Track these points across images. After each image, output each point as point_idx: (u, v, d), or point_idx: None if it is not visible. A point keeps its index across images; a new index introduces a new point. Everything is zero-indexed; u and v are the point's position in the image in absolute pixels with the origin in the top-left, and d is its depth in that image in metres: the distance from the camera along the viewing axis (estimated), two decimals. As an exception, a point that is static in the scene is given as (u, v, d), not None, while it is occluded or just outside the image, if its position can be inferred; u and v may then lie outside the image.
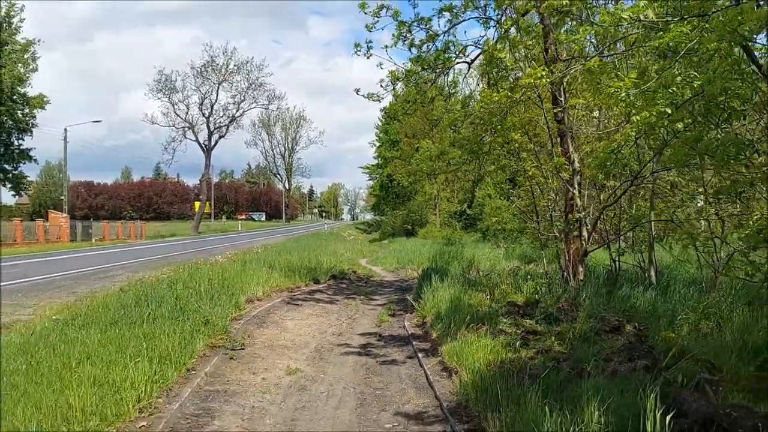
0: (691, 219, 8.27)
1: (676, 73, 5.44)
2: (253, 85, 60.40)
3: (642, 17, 5.20)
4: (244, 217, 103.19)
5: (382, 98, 11.97)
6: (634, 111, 5.16)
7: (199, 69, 57.99)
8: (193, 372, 6.58)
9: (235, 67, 58.90)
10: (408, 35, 11.36)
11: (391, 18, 11.17)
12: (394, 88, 12.20)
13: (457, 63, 11.99)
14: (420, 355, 7.50)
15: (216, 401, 5.85)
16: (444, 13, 11.30)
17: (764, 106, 5.97)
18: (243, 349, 7.84)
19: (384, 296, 14.00)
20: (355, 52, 11.70)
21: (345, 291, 14.69)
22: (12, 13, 46.53)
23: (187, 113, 58.36)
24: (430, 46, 11.67)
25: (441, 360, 6.95)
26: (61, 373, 5.55)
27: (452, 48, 11.69)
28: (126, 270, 18.12)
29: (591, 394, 4.13)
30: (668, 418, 3.57)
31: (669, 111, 5.22)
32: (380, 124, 59.16)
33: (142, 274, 14.97)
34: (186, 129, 58.43)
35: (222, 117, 60.44)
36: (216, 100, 59.65)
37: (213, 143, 60.88)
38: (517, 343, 6.46)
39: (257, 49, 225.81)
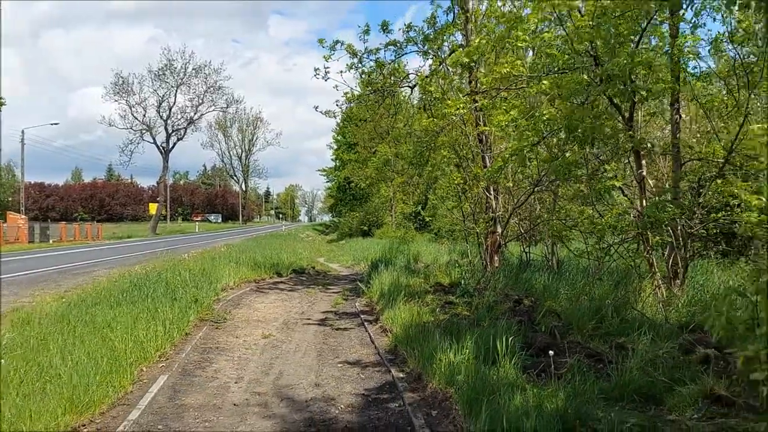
0: (577, 219, 10.67)
1: (544, 112, 7.76)
2: (211, 89, 61.31)
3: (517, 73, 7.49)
4: (200, 218, 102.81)
5: (338, 115, 14.17)
6: (509, 140, 7.44)
7: (156, 72, 58.59)
8: (190, 335, 8.58)
9: (193, 71, 59.69)
10: (359, 65, 13.54)
11: (345, 51, 13.35)
12: (348, 107, 14.41)
13: (401, 87, 14.26)
14: (366, 323, 9.67)
15: (211, 353, 7.83)
16: (389, 46, 13.54)
17: (611, 137, 8.37)
18: (225, 321, 9.85)
19: (339, 286, 16.07)
20: (314, 76, 13.82)
21: (305, 282, 16.72)
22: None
23: (144, 115, 58.75)
24: (378, 73, 13.90)
25: (381, 325, 9.13)
26: (95, 332, 7.42)
27: (397, 75, 13.95)
28: (101, 267, 19.62)
29: (469, 330, 6.36)
30: (510, 339, 5.79)
31: (536, 139, 7.53)
32: (337, 127, 60.93)
33: (117, 270, 16.55)
34: (143, 131, 58.90)
35: (180, 119, 61.13)
36: (174, 103, 60.22)
37: (171, 145, 61.51)
38: (437, 309, 8.69)
39: (216, 49, 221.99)
